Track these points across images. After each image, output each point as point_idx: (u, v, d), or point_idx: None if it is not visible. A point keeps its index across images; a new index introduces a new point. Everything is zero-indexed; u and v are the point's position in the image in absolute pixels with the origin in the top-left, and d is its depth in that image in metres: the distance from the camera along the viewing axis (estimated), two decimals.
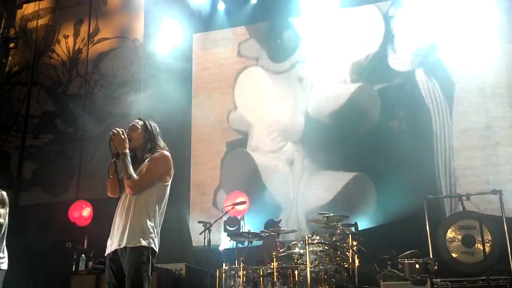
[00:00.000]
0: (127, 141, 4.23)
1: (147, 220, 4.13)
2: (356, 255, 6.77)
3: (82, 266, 7.80)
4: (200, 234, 7.99)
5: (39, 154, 11.20)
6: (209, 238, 7.65)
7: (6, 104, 11.75)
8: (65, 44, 12.02)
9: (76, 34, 12.01)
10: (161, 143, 4.44)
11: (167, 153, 4.37)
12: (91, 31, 11.83)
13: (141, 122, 4.42)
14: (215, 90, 10.86)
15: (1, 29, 11.96)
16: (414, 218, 7.56)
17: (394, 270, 6.39)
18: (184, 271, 7.02)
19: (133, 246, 4.04)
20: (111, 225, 4.28)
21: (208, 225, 8.05)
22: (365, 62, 9.78)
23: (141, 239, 4.05)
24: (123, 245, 4.06)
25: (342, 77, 9.89)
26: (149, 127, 4.41)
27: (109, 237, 4.25)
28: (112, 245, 4.16)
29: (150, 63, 10.83)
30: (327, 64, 10.08)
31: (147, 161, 4.29)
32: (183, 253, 8.64)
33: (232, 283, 6.88)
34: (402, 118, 9.34)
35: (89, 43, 11.73)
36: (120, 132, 4.24)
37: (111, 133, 4.24)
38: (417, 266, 6.28)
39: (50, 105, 11.67)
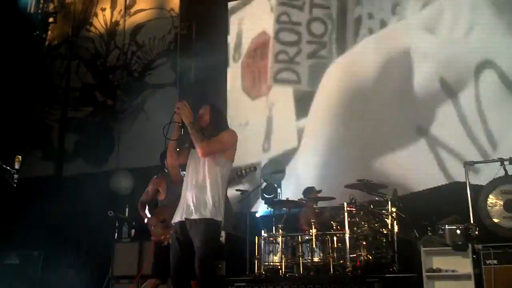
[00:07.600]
0: (191, 113, 4.37)
1: (215, 194, 4.29)
2: (395, 221, 6.75)
3: (125, 234, 7.96)
4: (238, 202, 8.07)
5: (80, 126, 11.40)
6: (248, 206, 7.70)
7: (47, 78, 11.96)
8: (103, 16, 12.11)
9: (113, 7, 12.09)
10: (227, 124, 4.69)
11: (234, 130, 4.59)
12: (127, 2, 11.89)
13: (206, 105, 4.60)
14: None
15: (41, 4, 12.11)
16: (454, 184, 7.42)
17: (435, 236, 6.33)
18: (223, 239, 7.12)
19: (201, 218, 4.21)
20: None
21: (246, 193, 8.13)
22: None
23: (209, 212, 4.22)
24: (191, 217, 4.24)
25: None
26: (216, 108, 4.65)
27: (178, 207, 4.43)
28: (180, 215, 4.34)
29: (186, 33, 10.84)
30: None
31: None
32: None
33: (272, 249, 6.97)
34: None
35: (126, 14, 11.80)
36: (184, 103, 4.39)
37: (177, 105, 4.38)
38: (458, 231, 6.19)
39: (89, 77, 11.80)
